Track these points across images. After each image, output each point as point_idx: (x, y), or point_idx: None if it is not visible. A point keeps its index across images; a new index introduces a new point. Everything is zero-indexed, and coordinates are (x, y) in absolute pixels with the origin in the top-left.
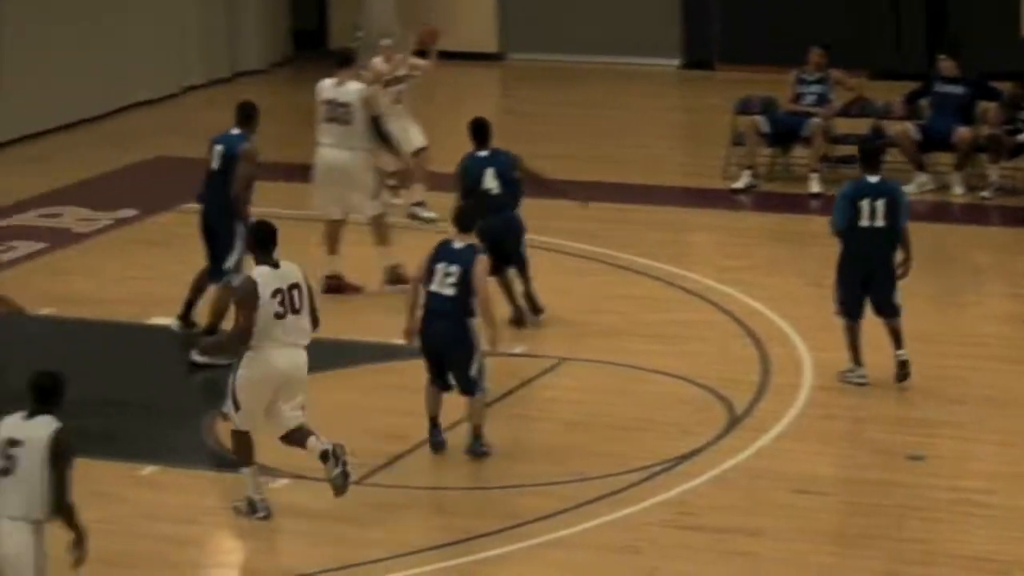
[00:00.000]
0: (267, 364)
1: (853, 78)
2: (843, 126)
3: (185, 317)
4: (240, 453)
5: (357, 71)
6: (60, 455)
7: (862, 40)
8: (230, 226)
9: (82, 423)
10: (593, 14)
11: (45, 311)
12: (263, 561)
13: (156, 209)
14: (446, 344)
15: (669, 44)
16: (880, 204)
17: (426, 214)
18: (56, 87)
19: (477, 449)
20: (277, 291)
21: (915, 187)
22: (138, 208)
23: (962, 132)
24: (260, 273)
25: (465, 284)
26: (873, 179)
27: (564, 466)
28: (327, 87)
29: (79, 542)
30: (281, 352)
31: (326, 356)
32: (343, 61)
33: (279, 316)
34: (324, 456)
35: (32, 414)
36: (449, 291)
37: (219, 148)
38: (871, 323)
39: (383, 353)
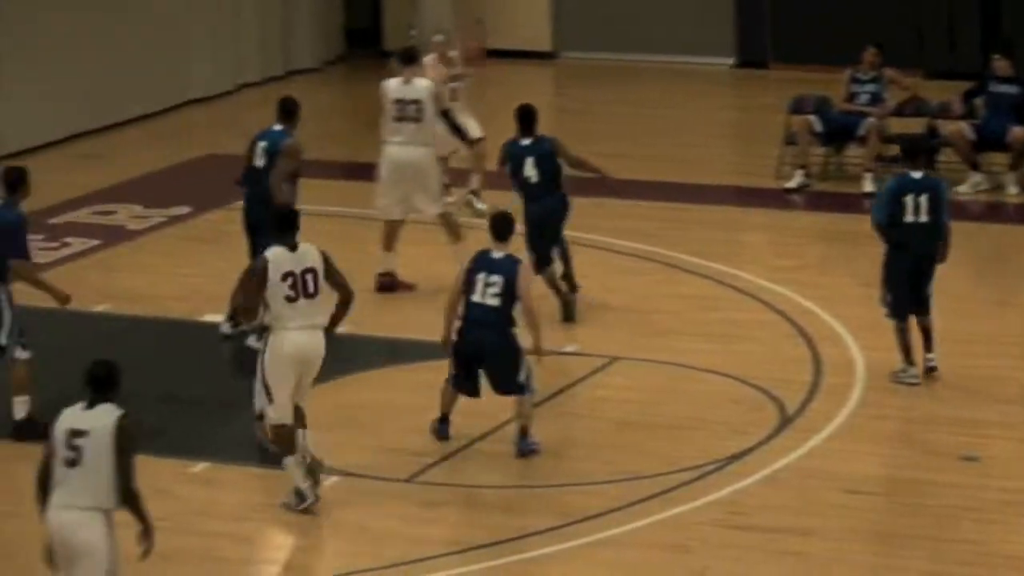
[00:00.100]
0: (282, 348)
1: (907, 77)
2: (897, 126)
3: (235, 316)
4: (282, 444)
5: (422, 68)
6: (126, 441)
7: (916, 39)
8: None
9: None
10: (647, 13)
11: (99, 308)
12: (313, 558)
13: (208, 206)
14: (491, 354)
15: (723, 43)
16: (924, 200)
17: (479, 205)
18: (111, 84)
19: (526, 448)
20: (288, 274)
21: (969, 187)
22: (191, 205)
23: (1017, 132)
24: (274, 254)
25: (508, 294)
26: (916, 175)
27: (615, 465)
28: (394, 86)
29: (146, 532)
30: (294, 335)
31: (377, 354)
32: (408, 59)
33: (290, 299)
34: (298, 495)
35: (92, 404)
36: (493, 301)
37: (263, 144)
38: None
39: (434, 351)
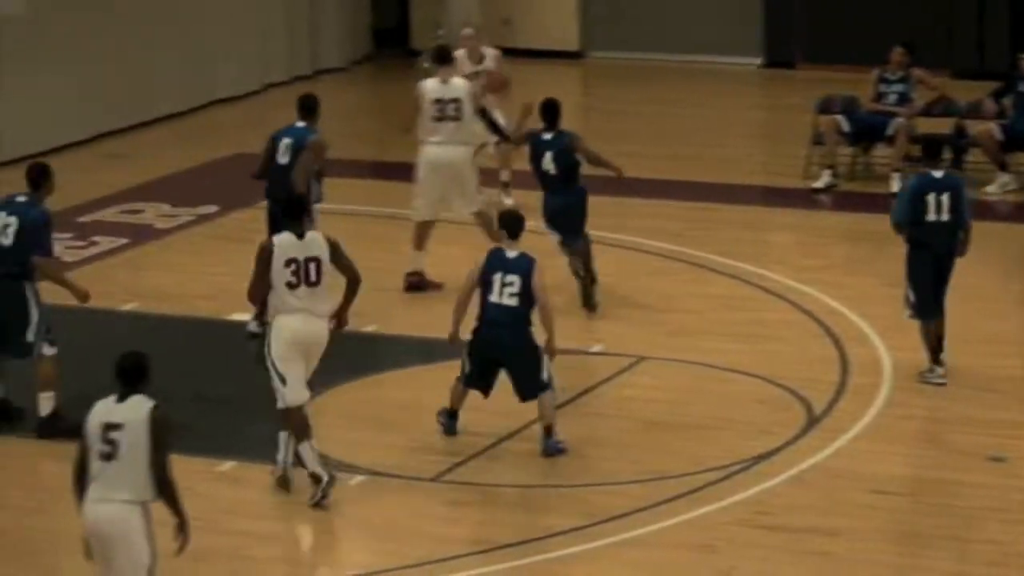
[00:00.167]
0: (282, 331)
1: (935, 77)
2: (925, 126)
3: (262, 315)
4: (298, 429)
5: (455, 67)
6: (161, 433)
7: (944, 39)
8: (313, 216)
9: None
10: (675, 13)
11: (126, 307)
12: (340, 556)
13: (236, 205)
14: (512, 354)
15: (750, 43)
16: (945, 198)
17: (507, 200)
18: (139, 84)
19: (551, 447)
20: (292, 260)
21: (997, 187)
22: (218, 204)
23: None
24: (281, 240)
25: (526, 294)
26: (937, 174)
27: (641, 465)
28: (433, 87)
29: (182, 527)
30: (294, 318)
31: (405, 353)
32: (442, 59)
33: (291, 285)
34: (314, 479)
35: (123, 397)
36: (511, 301)
37: (287, 141)
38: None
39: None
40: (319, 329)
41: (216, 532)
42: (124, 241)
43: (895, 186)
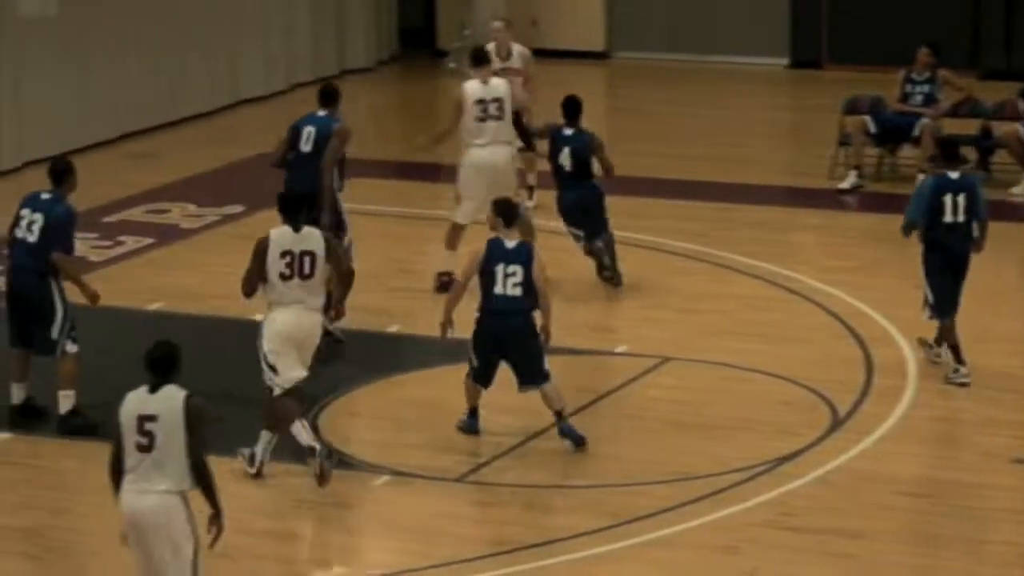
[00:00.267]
0: (275, 323)
1: (962, 78)
2: (951, 126)
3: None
4: (288, 416)
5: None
6: (195, 422)
7: (971, 40)
8: (328, 200)
9: None
10: (701, 13)
11: (152, 306)
12: (363, 556)
13: (261, 205)
14: (517, 341)
15: (777, 43)
16: (961, 199)
17: (528, 202)
18: (165, 84)
19: (572, 430)
20: (287, 252)
21: (1023, 188)
22: (244, 204)
23: None
24: (277, 232)
25: (529, 283)
26: (954, 175)
27: (665, 466)
28: (475, 88)
29: (216, 516)
30: (286, 311)
31: (431, 353)
32: (479, 60)
33: (284, 277)
34: (311, 451)
35: (155, 388)
36: (516, 291)
37: (310, 130)
38: (965, 322)
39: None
40: (312, 322)
41: (240, 531)
42: (150, 241)
43: None
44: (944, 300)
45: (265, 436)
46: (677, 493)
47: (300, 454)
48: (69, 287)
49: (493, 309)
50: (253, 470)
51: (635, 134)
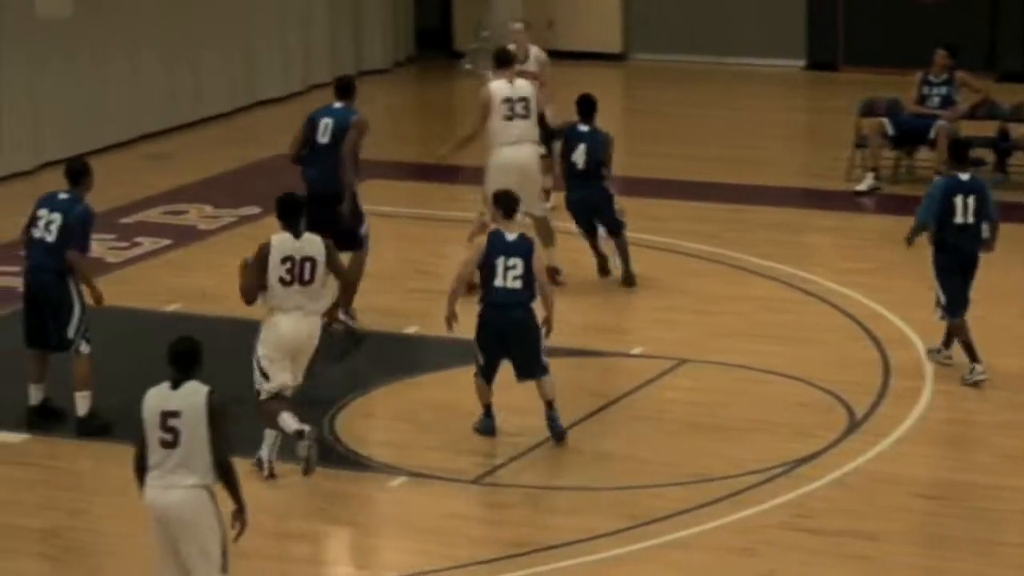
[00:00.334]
0: (275, 330)
1: (979, 80)
2: (968, 129)
3: (347, 306)
4: (273, 415)
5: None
6: (219, 417)
7: (989, 42)
8: (350, 193)
9: None
10: (717, 15)
11: (170, 307)
12: (380, 558)
13: None
14: (517, 332)
15: (793, 45)
16: (971, 201)
17: (546, 204)
18: (182, 85)
19: (557, 423)
20: (287, 258)
21: None
22: (261, 206)
23: None
24: (278, 239)
25: (528, 275)
26: (964, 176)
27: (682, 467)
28: (502, 87)
29: (240, 511)
30: (286, 317)
31: (448, 355)
32: (504, 61)
33: (284, 283)
34: (299, 435)
35: (177, 383)
36: (516, 284)
37: (328, 122)
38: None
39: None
40: (311, 328)
41: (256, 532)
42: (167, 242)
43: None
44: (955, 300)
45: (269, 436)
46: (694, 495)
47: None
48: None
49: (493, 302)
50: (265, 472)
51: (651, 135)
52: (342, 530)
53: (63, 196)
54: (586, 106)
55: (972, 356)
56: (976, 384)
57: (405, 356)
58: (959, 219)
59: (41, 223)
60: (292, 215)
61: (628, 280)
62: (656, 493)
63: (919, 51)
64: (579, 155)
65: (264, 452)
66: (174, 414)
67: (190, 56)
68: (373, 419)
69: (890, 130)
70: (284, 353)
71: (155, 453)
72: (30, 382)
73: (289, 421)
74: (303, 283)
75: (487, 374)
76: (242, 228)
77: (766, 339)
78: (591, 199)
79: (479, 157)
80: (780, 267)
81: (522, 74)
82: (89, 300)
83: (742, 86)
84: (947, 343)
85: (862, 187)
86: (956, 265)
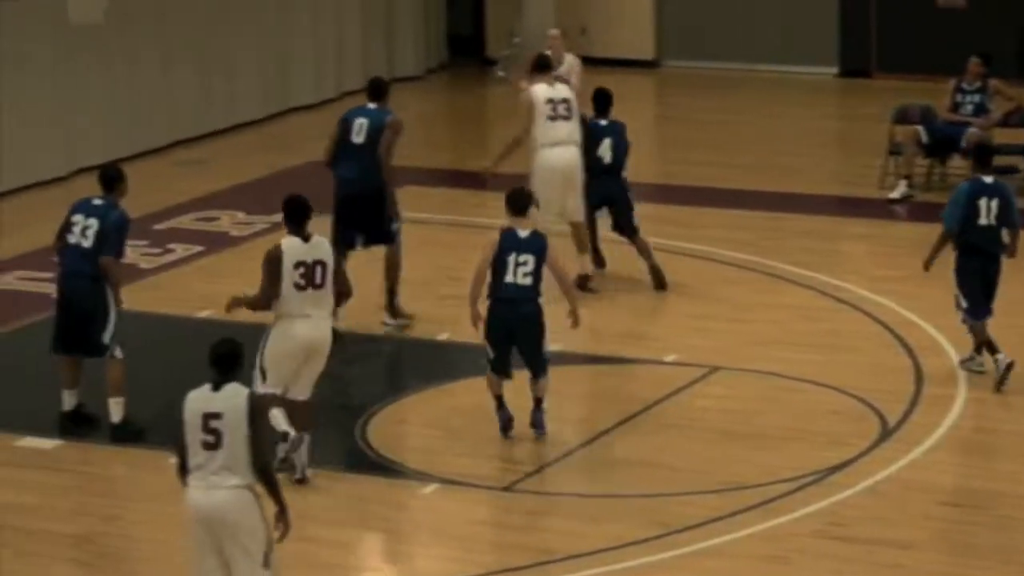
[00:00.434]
0: (288, 335)
1: (1012, 88)
2: (1001, 136)
3: (392, 307)
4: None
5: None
6: (258, 417)
7: (1022, 50)
8: (389, 192)
9: None
10: (750, 23)
11: (202, 314)
12: (408, 564)
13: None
14: (525, 325)
15: (826, 52)
16: (994, 203)
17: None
18: (215, 92)
19: (542, 421)
20: (300, 263)
21: None
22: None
23: None
24: (288, 244)
25: (538, 272)
26: (988, 179)
27: (714, 475)
28: (544, 89)
29: (282, 513)
30: (301, 323)
31: (478, 361)
32: (543, 66)
33: (299, 287)
34: (284, 436)
35: (218, 385)
36: (526, 280)
37: (362, 122)
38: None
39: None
40: (324, 332)
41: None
42: (199, 249)
43: None
44: (977, 302)
45: (294, 440)
46: (726, 503)
47: (346, 459)
48: (139, 295)
49: (503, 297)
50: (298, 475)
51: (684, 143)
52: (373, 536)
53: (98, 202)
54: (603, 100)
55: (993, 352)
56: (1005, 373)
57: (437, 362)
58: (983, 221)
59: (77, 229)
60: (300, 218)
61: (658, 279)
62: (688, 501)
63: (952, 58)
64: (605, 150)
65: (294, 457)
66: (216, 415)
67: (223, 62)
68: (405, 426)
69: (925, 138)
70: (293, 358)
71: (197, 455)
72: (63, 387)
73: (280, 420)
74: (316, 287)
75: (499, 367)
76: (274, 235)
77: (799, 347)
78: (613, 194)
79: (511, 164)
80: (813, 275)
81: (556, 79)
82: (149, 306)
83: (775, 93)
84: (979, 350)
85: (895, 195)
86: (980, 266)
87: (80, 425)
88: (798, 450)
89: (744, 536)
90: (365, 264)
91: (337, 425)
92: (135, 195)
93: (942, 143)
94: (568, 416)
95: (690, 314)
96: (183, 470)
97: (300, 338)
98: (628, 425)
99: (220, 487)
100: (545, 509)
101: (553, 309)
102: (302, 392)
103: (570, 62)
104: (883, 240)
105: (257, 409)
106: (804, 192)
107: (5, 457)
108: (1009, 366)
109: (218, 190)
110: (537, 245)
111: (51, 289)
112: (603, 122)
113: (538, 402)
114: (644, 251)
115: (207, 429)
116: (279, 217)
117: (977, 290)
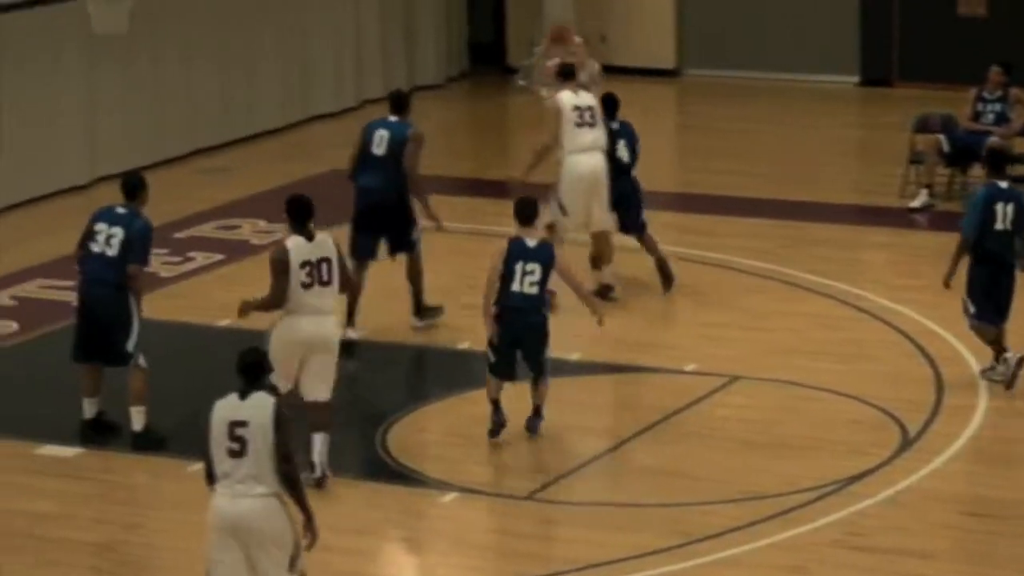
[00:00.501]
0: (293, 330)
1: None
2: (1022, 145)
3: (419, 309)
4: None
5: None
6: (286, 426)
7: None
8: (411, 203)
9: None
10: (771, 31)
11: (222, 322)
12: (428, 573)
13: (331, 222)
14: (530, 333)
15: (847, 61)
16: (1010, 209)
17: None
18: (236, 100)
19: (537, 426)
20: (306, 262)
21: None
22: (313, 221)
23: None
24: (294, 243)
25: (545, 281)
26: (1003, 184)
27: (734, 485)
28: (570, 96)
29: (309, 522)
30: (306, 319)
31: None
32: (567, 75)
33: (305, 286)
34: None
35: (245, 394)
36: (532, 290)
37: (384, 134)
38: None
39: (558, 368)
40: (329, 328)
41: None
42: (220, 257)
43: None
44: (985, 307)
45: (317, 440)
46: (745, 512)
47: (366, 468)
48: (158, 303)
49: (509, 305)
50: (318, 473)
51: (704, 151)
52: (392, 545)
53: (121, 210)
54: (612, 103)
55: (999, 350)
56: (1015, 369)
57: (458, 371)
58: (999, 226)
59: (101, 237)
60: (303, 216)
61: (665, 274)
62: (708, 510)
63: (973, 67)
64: (622, 150)
65: (315, 458)
66: (242, 423)
67: (245, 71)
68: (425, 434)
69: (946, 147)
70: (295, 354)
71: (223, 463)
72: (83, 396)
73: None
74: (322, 284)
75: (501, 371)
76: None
77: (819, 356)
78: (626, 193)
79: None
80: (833, 284)
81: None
82: (169, 315)
83: (796, 102)
84: (997, 358)
85: (916, 204)
86: (995, 272)
87: (101, 433)
88: (818, 460)
89: (764, 546)
90: (386, 274)
91: (357, 433)
92: (156, 203)
93: (963, 152)
94: (588, 425)
95: (709, 323)
96: (211, 477)
97: (303, 332)
98: (648, 434)
99: (247, 495)
100: (565, 518)
101: (573, 319)
102: (320, 393)
103: (589, 72)
104: (903, 249)
105: (284, 418)
106: (824, 201)
107: (26, 465)
108: (1020, 361)
109: (239, 198)
110: (545, 255)
111: (72, 297)
112: (615, 124)
113: (537, 409)
114: (651, 247)
115: (233, 437)
116: None
117: (989, 296)
